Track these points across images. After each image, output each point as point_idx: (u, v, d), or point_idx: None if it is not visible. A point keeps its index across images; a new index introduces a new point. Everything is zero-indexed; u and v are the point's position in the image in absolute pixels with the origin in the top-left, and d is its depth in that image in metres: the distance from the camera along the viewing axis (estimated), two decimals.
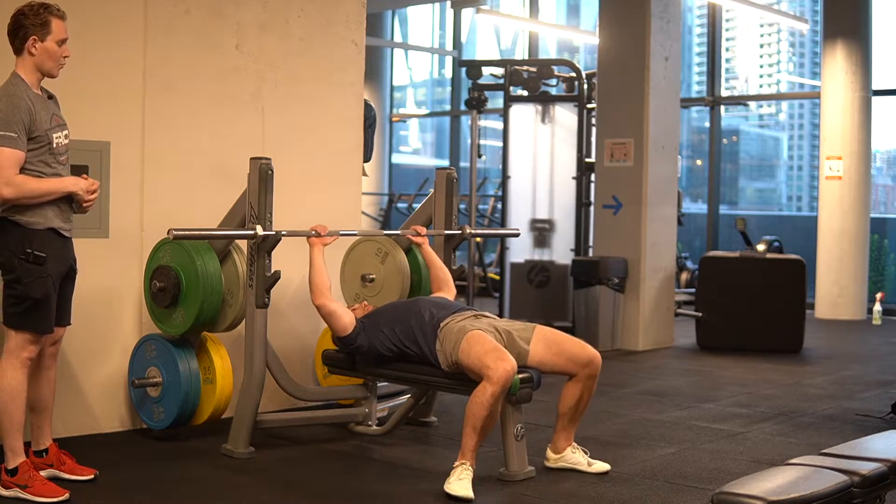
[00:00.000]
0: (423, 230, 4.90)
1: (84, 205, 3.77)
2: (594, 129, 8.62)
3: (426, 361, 4.20)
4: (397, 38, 16.04)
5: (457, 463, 3.88)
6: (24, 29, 3.63)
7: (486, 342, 3.96)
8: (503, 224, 9.36)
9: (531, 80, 9.14)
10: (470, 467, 3.85)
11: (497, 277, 10.42)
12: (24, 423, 3.71)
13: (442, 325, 4.16)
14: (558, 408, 4.22)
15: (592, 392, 4.22)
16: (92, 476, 3.88)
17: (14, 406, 3.65)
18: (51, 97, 3.80)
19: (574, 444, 4.26)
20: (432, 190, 5.12)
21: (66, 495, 3.66)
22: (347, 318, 4.36)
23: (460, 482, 3.79)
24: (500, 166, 9.61)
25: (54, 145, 3.68)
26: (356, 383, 4.80)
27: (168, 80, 4.87)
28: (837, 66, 10.29)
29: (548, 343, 4.15)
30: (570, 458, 4.23)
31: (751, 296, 7.91)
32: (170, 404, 4.49)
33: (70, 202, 3.75)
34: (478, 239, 10.19)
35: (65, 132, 3.76)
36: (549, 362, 4.14)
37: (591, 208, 8.77)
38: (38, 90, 3.71)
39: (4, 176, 3.53)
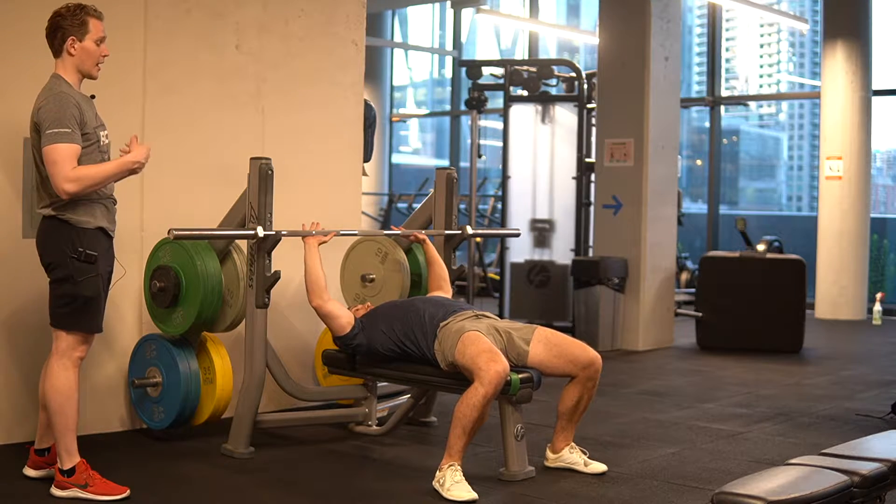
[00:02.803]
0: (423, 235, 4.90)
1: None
2: (594, 129, 8.62)
3: (425, 361, 4.20)
4: (397, 38, 16.04)
5: (444, 464, 3.85)
6: (62, 30, 3.62)
7: (481, 343, 3.95)
8: (503, 224, 9.36)
9: (531, 80, 9.14)
10: (459, 468, 3.83)
11: (497, 277, 10.41)
12: (77, 424, 3.71)
13: (442, 324, 4.15)
14: (558, 408, 4.22)
15: (593, 394, 4.21)
16: None
17: (69, 407, 3.66)
18: (91, 97, 3.77)
19: (572, 444, 4.25)
20: (432, 190, 5.11)
21: (128, 492, 3.67)
22: (345, 319, 4.36)
23: (459, 485, 3.77)
24: (500, 166, 9.60)
25: (101, 143, 3.68)
26: (356, 383, 4.80)
27: (168, 81, 4.87)
28: (837, 66, 10.29)
29: (548, 344, 4.14)
30: (567, 458, 4.23)
31: (751, 296, 7.90)
32: (170, 404, 4.49)
33: (114, 202, 3.75)
34: (478, 239, 10.18)
35: (105, 132, 3.76)
36: (550, 364, 4.12)
37: (591, 208, 8.78)
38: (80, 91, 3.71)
39: (63, 172, 3.48)
